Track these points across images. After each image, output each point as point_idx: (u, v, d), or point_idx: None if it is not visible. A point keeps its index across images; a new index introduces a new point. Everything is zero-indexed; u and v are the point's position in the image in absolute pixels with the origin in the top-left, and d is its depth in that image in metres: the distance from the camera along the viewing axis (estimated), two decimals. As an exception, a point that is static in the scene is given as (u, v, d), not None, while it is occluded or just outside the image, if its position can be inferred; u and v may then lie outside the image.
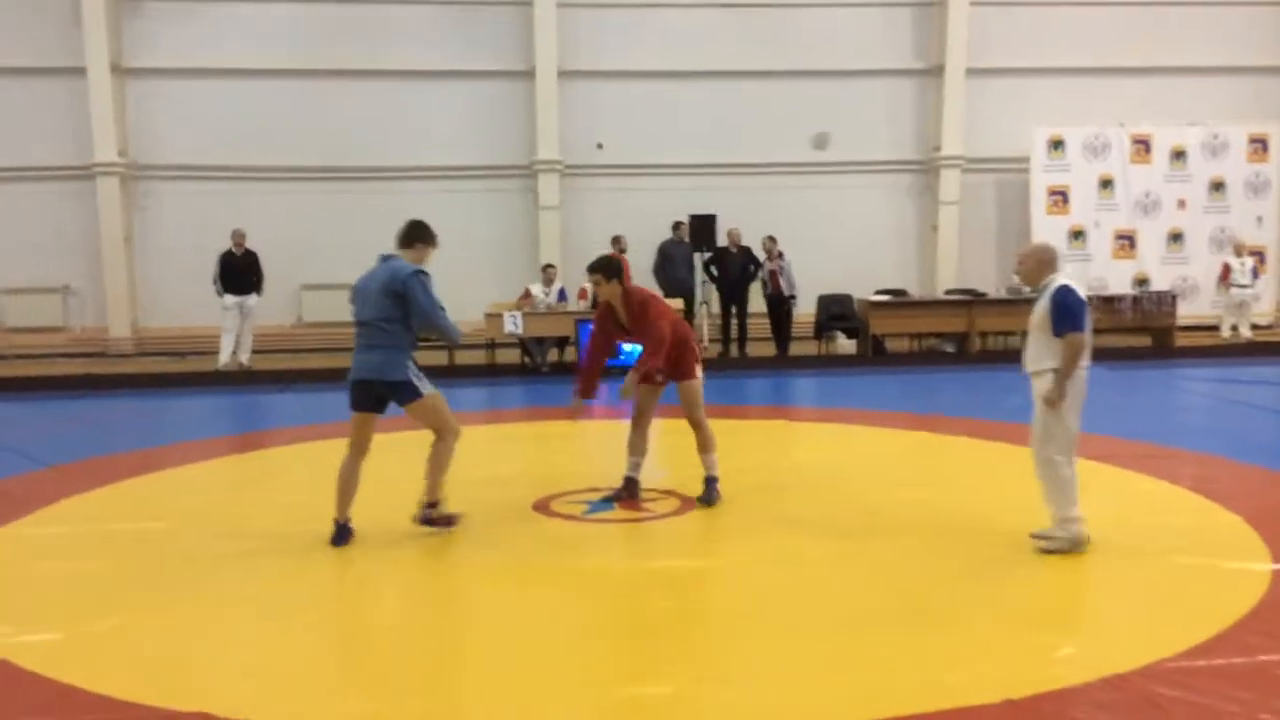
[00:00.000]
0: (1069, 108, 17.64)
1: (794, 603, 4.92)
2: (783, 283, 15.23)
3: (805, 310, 16.61)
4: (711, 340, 15.96)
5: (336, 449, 7.92)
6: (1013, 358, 14.93)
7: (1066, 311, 5.34)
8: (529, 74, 17.35)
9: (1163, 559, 5.40)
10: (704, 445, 6.78)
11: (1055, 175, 17.46)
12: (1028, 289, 5.71)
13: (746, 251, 15.29)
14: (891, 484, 7.41)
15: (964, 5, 17.68)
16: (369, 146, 17.25)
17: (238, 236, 14.62)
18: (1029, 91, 17.87)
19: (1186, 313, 16.61)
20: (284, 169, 17.13)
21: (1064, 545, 5.43)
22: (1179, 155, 17.48)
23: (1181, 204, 17.48)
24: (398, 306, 6.00)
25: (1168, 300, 15.71)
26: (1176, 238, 17.51)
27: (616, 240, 15.51)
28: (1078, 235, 17.36)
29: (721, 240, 15.55)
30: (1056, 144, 17.45)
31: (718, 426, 8.71)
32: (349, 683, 4.09)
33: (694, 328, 15.47)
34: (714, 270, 15.48)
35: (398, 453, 6.93)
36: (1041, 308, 5.45)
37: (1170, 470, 7.07)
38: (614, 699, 3.87)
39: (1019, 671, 3.99)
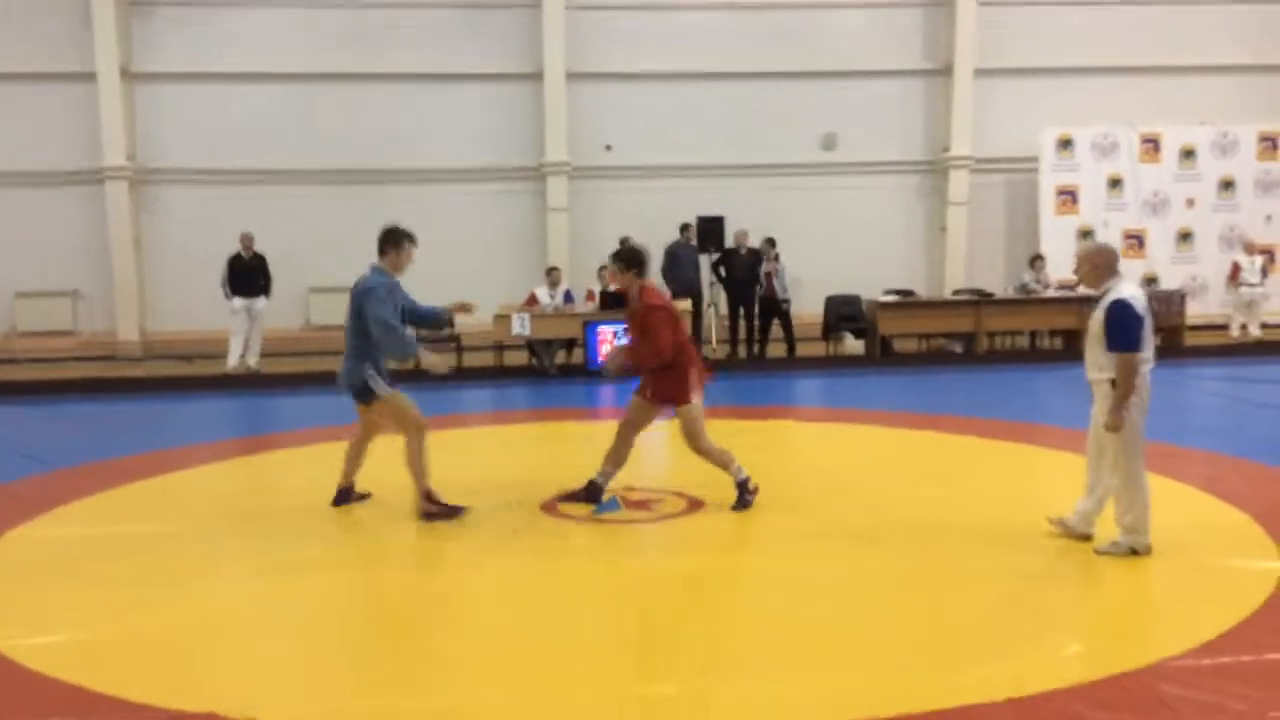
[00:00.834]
0: (1078, 107, 17.60)
1: (802, 601, 4.92)
2: (776, 285, 15.17)
3: (813, 310, 16.61)
4: (720, 342, 15.96)
5: (342, 452, 7.97)
6: (1020, 358, 15.12)
7: (1120, 329, 5.21)
8: (537, 76, 17.38)
9: (1171, 557, 5.38)
10: (719, 465, 6.71)
11: (1064, 175, 17.42)
12: (1048, 290, 5.61)
13: (755, 253, 15.27)
14: (899, 483, 7.40)
15: (972, 5, 17.65)
16: (377, 149, 17.29)
17: (246, 240, 14.66)
18: (1037, 91, 17.84)
19: (1196, 312, 16.55)
20: (292, 172, 17.18)
21: (1121, 552, 5.38)
22: (1188, 154, 17.43)
23: (1191, 203, 17.43)
24: (358, 316, 6.54)
25: (1177, 299, 15.65)
26: (1186, 237, 17.46)
27: (625, 242, 15.51)
28: (1086, 235, 17.29)
29: (730, 242, 15.54)
30: (1065, 144, 17.42)
31: (726, 427, 8.72)
32: (358, 682, 4.10)
33: (702, 329, 15.53)
34: (722, 271, 15.47)
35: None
36: (1098, 318, 5.34)
37: (1179, 469, 7.05)
38: (623, 697, 3.87)
39: (1026, 670, 3.98)
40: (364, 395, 6.66)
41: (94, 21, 16.48)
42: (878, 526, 6.15)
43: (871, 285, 16.09)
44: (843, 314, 15.79)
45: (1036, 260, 16.01)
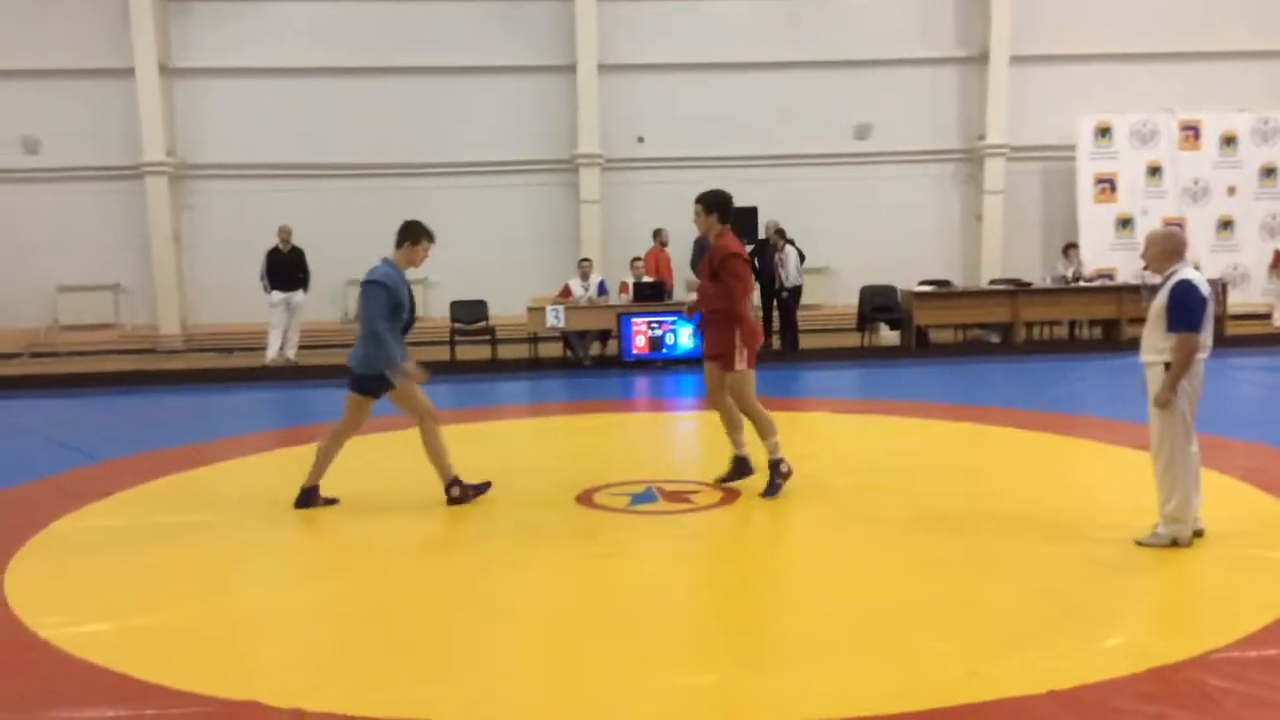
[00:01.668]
0: (1116, 94, 17.40)
1: (838, 592, 4.92)
2: (781, 273, 15.06)
3: (848, 301, 16.56)
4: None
5: (383, 442, 8.08)
6: (1059, 348, 14.97)
7: (1183, 309, 5.16)
8: (570, 68, 17.40)
9: (1212, 549, 5.32)
10: (760, 432, 6.76)
11: (1102, 163, 17.24)
12: (1156, 278, 5.53)
13: (787, 243, 15.19)
14: (935, 475, 7.36)
15: (1007, -9, 17.50)
16: (412, 143, 17.39)
17: (284, 233, 14.78)
18: (1075, 78, 17.66)
19: (1236, 301, 16.36)
20: (328, 166, 17.32)
21: (1162, 543, 5.33)
22: (1229, 141, 17.21)
23: (1231, 190, 17.21)
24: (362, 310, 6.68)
25: (1217, 288, 15.44)
26: (1226, 225, 17.25)
27: (658, 233, 15.52)
28: (1125, 224, 17.14)
29: (763, 233, 15.49)
30: (1103, 131, 17.24)
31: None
32: (396, 670, 4.14)
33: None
34: (756, 263, 15.42)
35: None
36: (1161, 300, 5.28)
37: (1220, 460, 6.97)
38: (658, 688, 3.88)
39: (1065, 662, 3.95)
40: (367, 385, 6.70)
41: (132, 18, 16.68)
42: (913, 518, 6.13)
43: (907, 275, 16.01)
44: (878, 305, 15.71)
45: (1070, 249, 15.86)
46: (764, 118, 17.72)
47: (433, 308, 17.21)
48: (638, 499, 6.75)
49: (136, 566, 5.59)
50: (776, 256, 15.13)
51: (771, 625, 4.52)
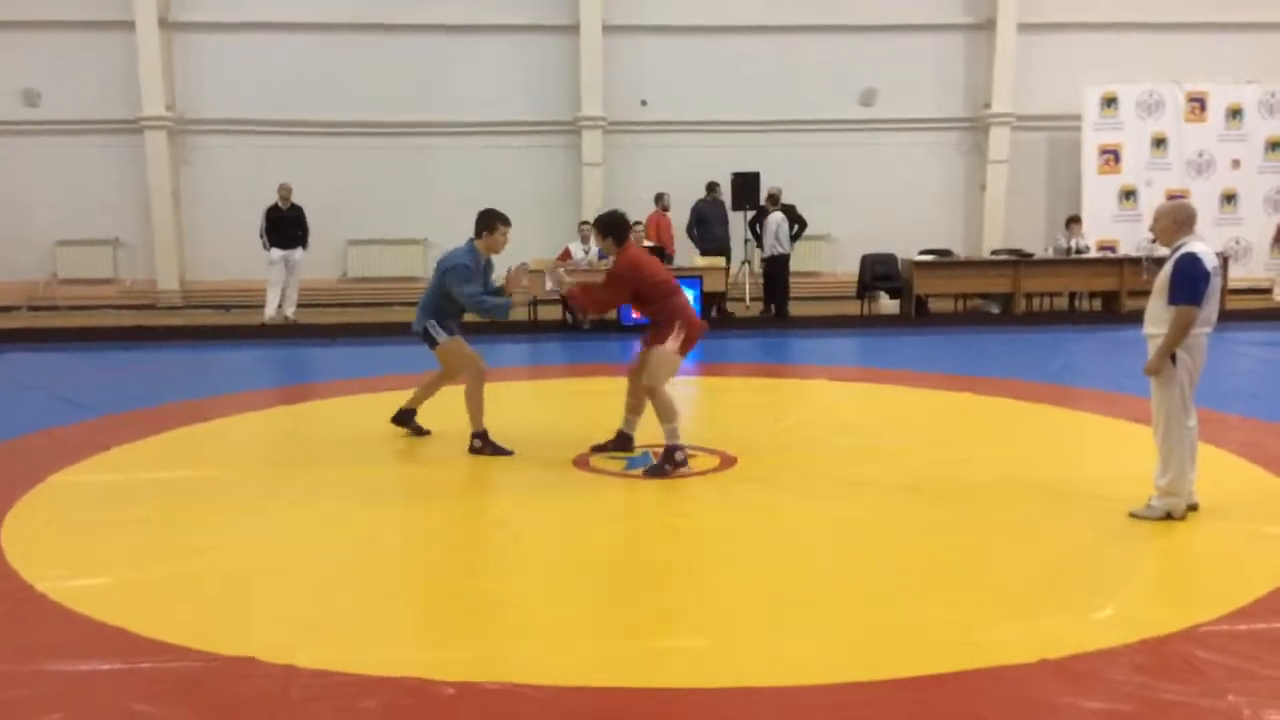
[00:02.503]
0: (1122, 64, 17.26)
1: (832, 560, 4.95)
2: (766, 239, 15.02)
3: (848, 269, 16.54)
4: (753, 299, 15.91)
5: (381, 401, 8.10)
6: (1059, 320, 14.96)
7: (1185, 281, 5.13)
8: (573, 29, 17.26)
9: (1205, 523, 5.34)
10: (660, 415, 6.55)
11: (1107, 134, 17.14)
12: (1160, 249, 5.50)
13: (788, 210, 15.16)
14: (932, 444, 7.38)
15: (1016, -42, 17.34)
16: (414, 101, 17.27)
17: (283, 191, 14.73)
18: (1082, 47, 17.53)
19: (1238, 275, 16.33)
20: (329, 124, 17.21)
21: (1155, 515, 5.35)
22: (1235, 114, 17.10)
23: (1236, 164, 17.12)
24: (437, 283, 7.18)
25: (1219, 262, 15.44)
26: (1230, 198, 17.18)
27: (660, 198, 15.47)
28: (1129, 195, 17.08)
29: (764, 199, 15.44)
30: (1109, 101, 17.12)
31: (759, 385, 8.73)
32: (393, 630, 4.16)
33: (735, 285, 15.47)
34: (757, 229, 15.38)
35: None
36: (1166, 272, 5.26)
37: (1217, 435, 6.97)
38: (651, 650, 3.91)
39: (1056, 632, 3.98)
40: (428, 341, 7.25)
41: (132, -30, 16.51)
42: (911, 486, 6.15)
43: (908, 244, 15.97)
44: (878, 273, 15.67)
45: (1072, 222, 15.82)
46: (768, 82, 17.60)
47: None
48: (633, 463, 6.77)
49: (134, 521, 5.61)
50: (759, 224, 15.10)
51: (766, 590, 4.54)
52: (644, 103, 17.63)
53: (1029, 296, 15.54)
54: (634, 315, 13.72)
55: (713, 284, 14.52)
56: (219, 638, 3.97)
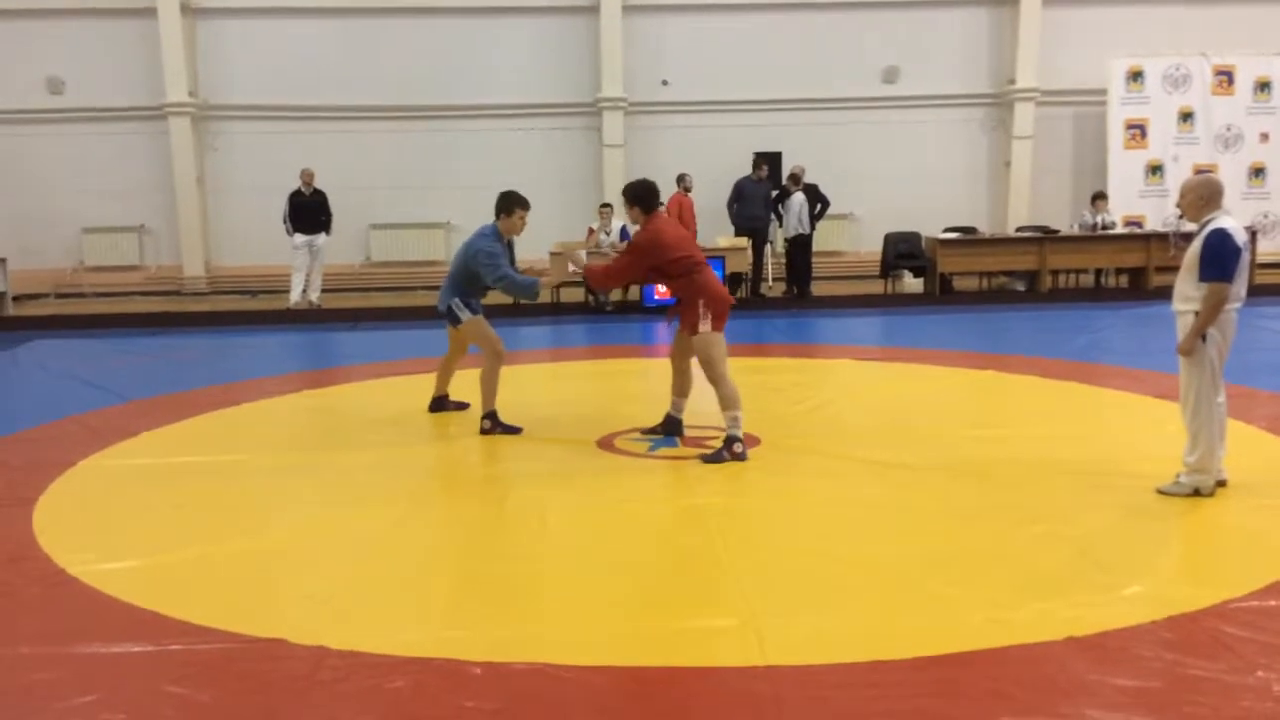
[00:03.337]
0: (1149, 38, 17.07)
1: (858, 539, 4.94)
2: (788, 219, 14.94)
3: (871, 248, 16.47)
4: (776, 279, 15.87)
5: (405, 385, 8.14)
6: (1085, 296, 14.85)
7: (1215, 258, 5.08)
8: (593, 9, 17.19)
9: (1234, 499, 5.30)
10: (722, 404, 6.41)
11: (1133, 108, 16.97)
12: (1188, 224, 5.46)
13: (811, 189, 15.09)
14: (957, 422, 7.35)
15: (1041, -69, 17.14)
16: (435, 85, 17.26)
17: (306, 176, 14.78)
18: (1107, 21, 17.32)
19: (1266, 250, 16.15)
20: (351, 108, 17.23)
21: (1184, 492, 5.31)
22: (1263, 86, 16.89)
23: (1264, 137, 16.92)
24: (462, 264, 7.29)
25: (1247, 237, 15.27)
26: (1258, 172, 16.98)
27: (681, 178, 15.40)
28: (1155, 170, 16.91)
29: (787, 179, 15.37)
30: (1135, 75, 16.94)
31: (783, 365, 8.72)
32: (421, 611, 4.18)
33: (762, 266, 15.43)
34: (780, 209, 15.32)
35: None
36: (1195, 248, 5.20)
37: (1245, 410, 6.92)
38: (678, 629, 3.92)
39: (1085, 610, 3.96)
40: (452, 319, 7.37)
41: (154, -43, 16.55)
42: (934, 465, 6.13)
43: (932, 222, 15.88)
44: (902, 252, 15.58)
45: (1098, 199, 15.68)
46: (790, 60, 17.49)
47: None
48: (658, 443, 6.77)
49: (164, 505, 5.66)
50: (781, 204, 15.04)
51: (792, 570, 4.54)
52: (665, 83, 17.55)
53: (1055, 273, 15.43)
54: (657, 296, 13.73)
55: (736, 264, 14.48)
56: (249, 619, 4.00)
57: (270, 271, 16.46)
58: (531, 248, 15.18)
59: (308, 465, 6.51)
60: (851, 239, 17.80)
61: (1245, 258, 5.19)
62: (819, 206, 15.15)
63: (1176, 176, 16.74)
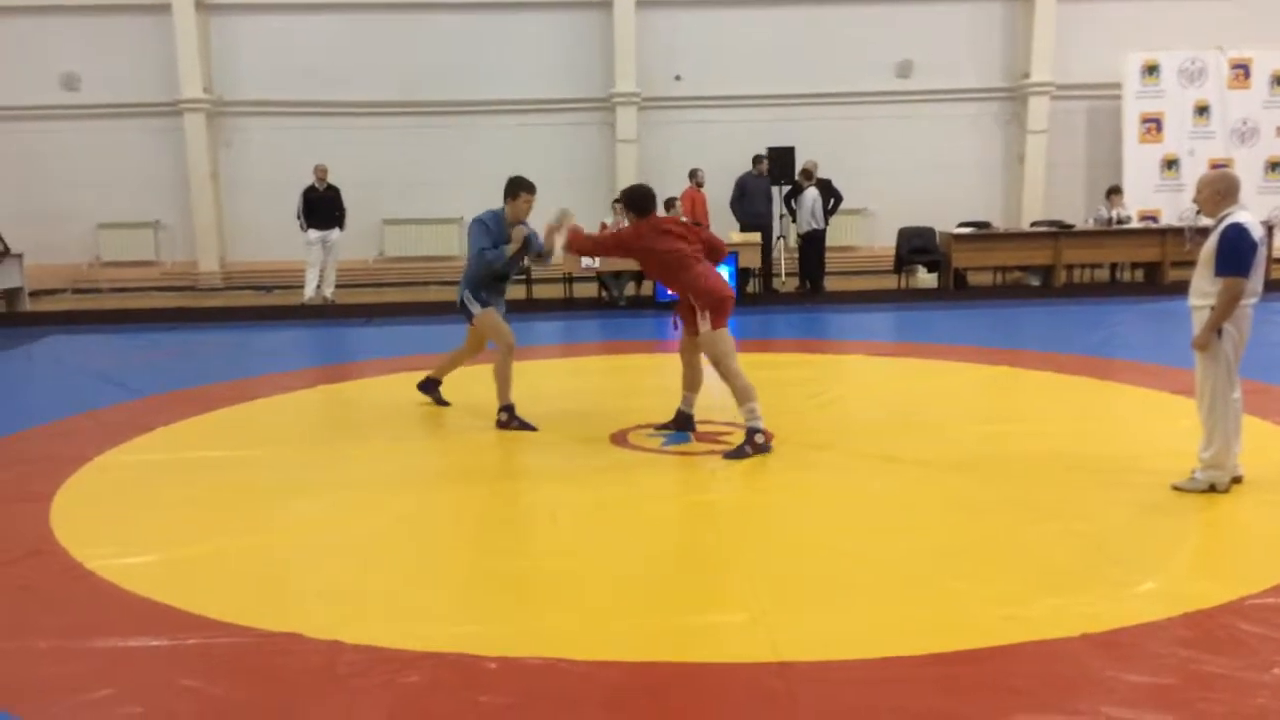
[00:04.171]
0: (1164, 31, 16.95)
1: (870, 535, 4.93)
2: (801, 215, 14.92)
3: (885, 243, 16.42)
4: (789, 274, 15.84)
5: (418, 380, 8.15)
6: (1100, 291, 14.77)
7: (1232, 252, 5.06)
8: (606, 4, 17.19)
9: (1250, 496, 5.28)
10: (737, 397, 6.42)
11: (1149, 102, 16.87)
12: (1203, 219, 5.44)
13: (824, 184, 15.06)
14: (972, 418, 7.34)
15: (1055, -76, 17.05)
16: (448, 80, 17.28)
17: (319, 171, 14.80)
18: (1122, 14, 17.22)
19: (1283, 245, 16.03)
20: (365, 104, 17.27)
21: (1199, 488, 5.30)
22: (1279, 80, 16.76)
23: (1281, 131, 16.81)
24: (470, 248, 7.34)
25: (1266, 232, 15.16)
26: (1275, 166, 16.87)
27: (694, 174, 15.38)
28: (1171, 164, 16.81)
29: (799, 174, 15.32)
30: (1151, 69, 16.84)
31: (796, 361, 8.71)
32: (436, 606, 4.20)
33: (770, 262, 15.39)
34: (792, 204, 15.28)
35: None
36: (1211, 243, 5.18)
37: (1261, 406, 6.88)
38: (689, 625, 3.92)
39: (1100, 606, 3.95)
40: (465, 314, 7.42)
41: (168, -47, 16.61)
42: (948, 460, 6.12)
43: (946, 217, 15.82)
44: (915, 247, 15.53)
45: (1113, 193, 15.61)
46: (803, 55, 17.44)
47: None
48: (671, 439, 6.78)
49: (180, 500, 5.69)
50: (794, 200, 15.01)
51: (804, 565, 4.54)
52: (678, 78, 17.53)
53: (1069, 268, 15.36)
54: (669, 291, 13.72)
55: (748, 260, 14.47)
56: (265, 614, 4.02)
57: (285, 267, 16.50)
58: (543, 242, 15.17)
59: (322, 460, 6.54)
60: (865, 234, 17.76)
61: (1262, 253, 5.16)
62: (832, 201, 15.11)
63: (1192, 171, 16.63)
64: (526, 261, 7.78)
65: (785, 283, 15.68)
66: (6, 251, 14.44)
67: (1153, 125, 16.89)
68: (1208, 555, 4.83)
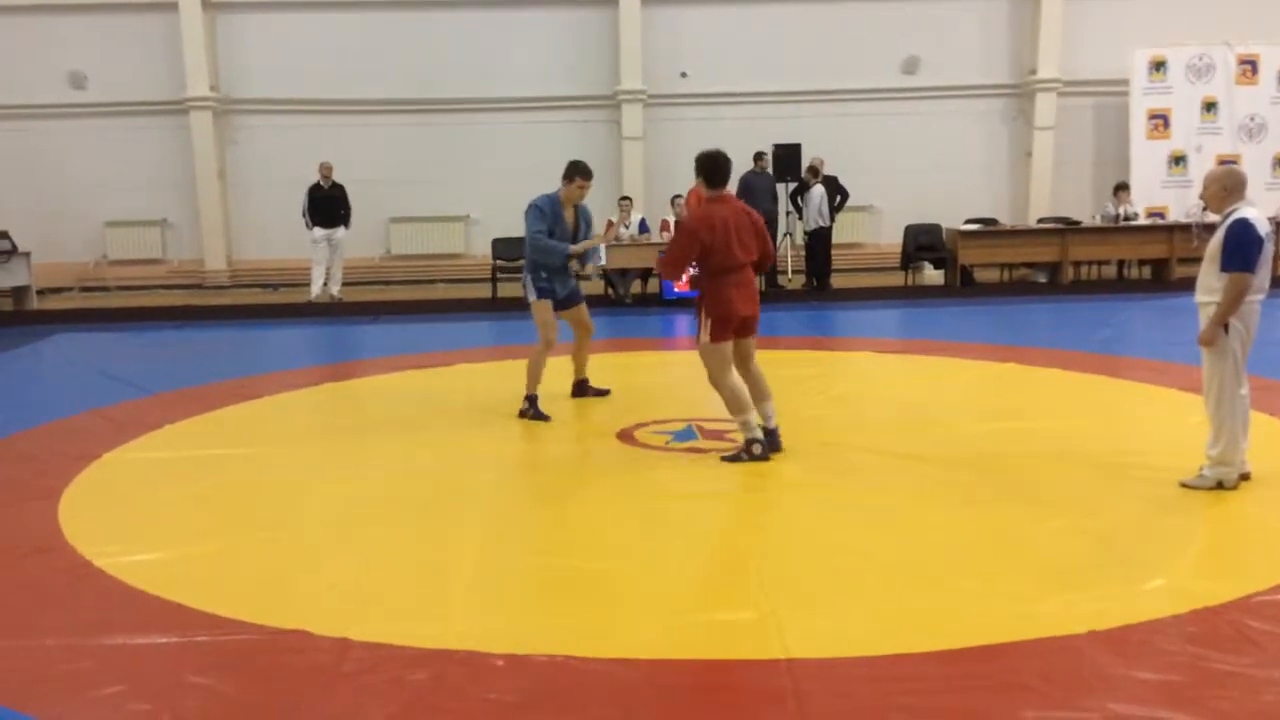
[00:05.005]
0: (1171, 27, 16.87)
1: (878, 531, 4.93)
2: (808, 213, 14.89)
3: (891, 240, 16.40)
4: (795, 272, 15.83)
5: (425, 377, 8.15)
6: (1107, 288, 14.74)
7: (1237, 248, 5.04)
8: (612, 2, 17.16)
9: (1258, 492, 5.27)
10: (729, 409, 6.19)
11: (1156, 98, 16.80)
12: (1210, 215, 5.43)
13: (831, 181, 15.04)
14: (979, 415, 7.33)
15: (1062, -81, 17.00)
16: (454, 78, 17.27)
17: (325, 169, 14.81)
18: (1129, 10, 17.16)
19: (1291, 241, 15.98)
20: (371, 102, 17.27)
21: (1207, 485, 5.29)
22: (1288, 76, 16.71)
23: (1289, 127, 16.74)
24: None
25: (1274, 227, 15.11)
26: (1283, 162, 16.81)
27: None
28: (1178, 161, 16.75)
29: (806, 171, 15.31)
30: (1158, 65, 16.77)
31: (803, 358, 8.71)
32: (443, 603, 4.20)
33: (778, 259, 15.37)
34: (799, 201, 15.27)
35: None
36: (1217, 239, 5.18)
37: (1269, 402, 6.86)
38: (699, 623, 3.92)
39: (1107, 603, 3.94)
40: (542, 293, 7.45)
41: (174, -49, 16.62)
42: (955, 457, 6.11)
43: (952, 214, 15.80)
44: (922, 244, 15.52)
45: (1120, 190, 15.58)
46: (809, 52, 17.41)
47: (475, 245, 17.26)
48: (678, 436, 6.78)
49: (187, 497, 5.70)
50: (800, 197, 14.99)
51: (813, 563, 4.54)
52: (684, 75, 17.52)
53: (1077, 265, 15.35)
54: (676, 289, 13.72)
55: (755, 257, 14.45)
56: (272, 611, 4.03)
57: (291, 265, 16.52)
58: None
59: (329, 457, 6.55)
60: (871, 231, 17.74)
61: (1268, 248, 5.15)
62: (838, 198, 15.10)
63: (1200, 167, 16.53)
64: (578, 268, 7.87)
65: (792, 280, 15.68)
66: (14, 250, 14.48)
67: (1160, 121, 16.83)
68: (1216, 552, 4.82)
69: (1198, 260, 5.39)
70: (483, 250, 16.31)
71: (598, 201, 16.53)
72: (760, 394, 6.32)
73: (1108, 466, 5.79)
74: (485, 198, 17.01)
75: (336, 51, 17.15)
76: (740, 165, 15.34)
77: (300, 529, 5.19)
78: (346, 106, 17.26)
